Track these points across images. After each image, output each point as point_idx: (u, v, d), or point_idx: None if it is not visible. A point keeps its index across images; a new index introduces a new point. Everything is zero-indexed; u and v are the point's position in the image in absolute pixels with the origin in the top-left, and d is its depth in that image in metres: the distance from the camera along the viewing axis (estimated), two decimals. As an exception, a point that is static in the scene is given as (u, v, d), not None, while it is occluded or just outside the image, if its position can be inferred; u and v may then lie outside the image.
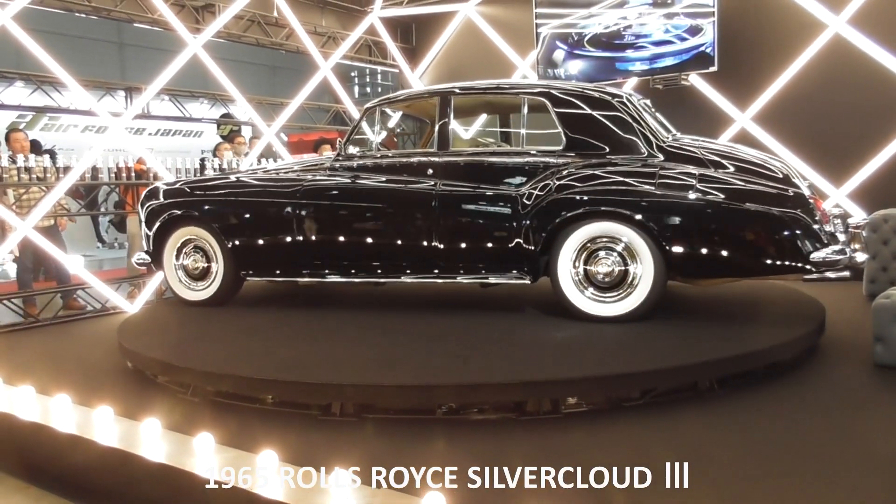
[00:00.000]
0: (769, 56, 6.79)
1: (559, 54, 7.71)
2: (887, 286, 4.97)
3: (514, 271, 4.16)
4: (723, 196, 3.76)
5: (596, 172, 4.00)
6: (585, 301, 3.98)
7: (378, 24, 9.05)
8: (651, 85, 7.23)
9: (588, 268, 3.97)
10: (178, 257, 4.90)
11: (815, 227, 3.72)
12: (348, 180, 4.58)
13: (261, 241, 4.68)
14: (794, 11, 6.55)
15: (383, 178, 4.51)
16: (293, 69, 15.46)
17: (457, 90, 4.52)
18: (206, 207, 4.76)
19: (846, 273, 3.75)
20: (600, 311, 3.95)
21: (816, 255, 3.65)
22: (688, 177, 3.87)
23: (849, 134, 6.38)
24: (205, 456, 2.66)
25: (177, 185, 5.00)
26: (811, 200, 3.82)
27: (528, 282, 4.15)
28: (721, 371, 3.36)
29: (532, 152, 4.27)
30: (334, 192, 4.57)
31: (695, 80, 7.09)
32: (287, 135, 11.66)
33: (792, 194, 3.80)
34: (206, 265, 4.83)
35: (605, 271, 3.93)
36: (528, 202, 4.07)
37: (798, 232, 3.69)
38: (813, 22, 6.49)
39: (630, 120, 4.16)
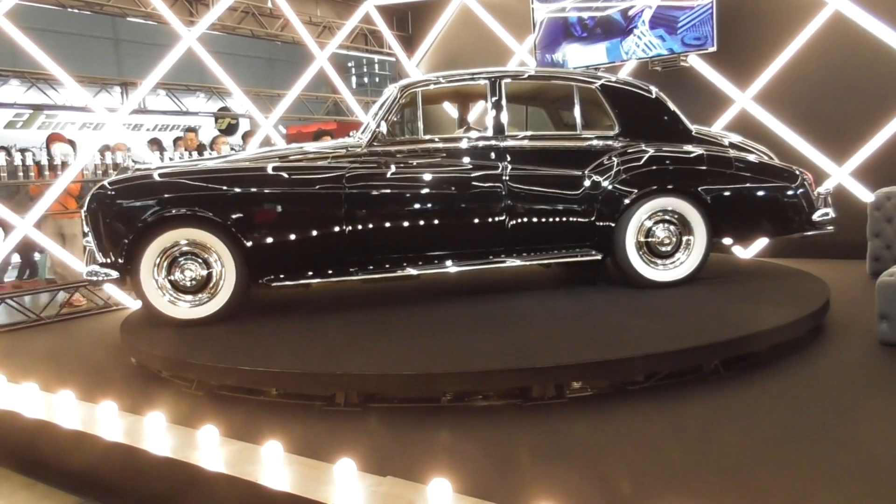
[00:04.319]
0: (769, 35, 6.72)
1: (556, 39, 7.65)
2: (891, 264, 4.95)
3: (588, 248, 4.44)
4: (755, 173, 4.53)
5: (656, 154, 4.48)
6: (650, 270, 4.44)
7: (374, 13, 8.99)
8: (650, 67, 7.18)
9: (650, 239, 4.42)
10: (158, 268, 4.07)
11: (812, 194, 4.57)
12: (404, 166, 4.30)
13: (295, 240, 4.12)
14: (793, -11, 6.49)
15: (439, 163, 4.34)
16: (289, 60, 15.42)
17: (508, 75, 4.55)
18: (218, 202, 4.03)
19: (831, 228, 4.63)
20: (662, 277, 4.45)
21: (816, 216, 4.55)
22: (726, 158, 4.55)
23: (851, 112, 6.33)
24: (210, 449, 2.66)
25: (163, 178, 4.12)
26: (807, 174, 4.64)
27: (599, 257, 4.44)
28: (725, 353, 3.35)
29: (591, 136, 4.58)
30: (392, 178, 4.25)
31: (694, 60, 7.04)
32: (285, 126, 11.61)
33: (795, 169, 4.63)
34: (204, 274, 4.10)
35: (666, 241, 4.43)
36: (601, 180, 4.39)
37: (805, 198, 4.54)
38: (812, -1, 6.44)
39: (669, 109, 4.71)
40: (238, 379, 3.36)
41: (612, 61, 7.32)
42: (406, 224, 4.28)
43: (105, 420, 3.04)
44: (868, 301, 3.86)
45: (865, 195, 6.13)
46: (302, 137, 10.77)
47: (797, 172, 4.60)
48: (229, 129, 9.97)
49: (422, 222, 4.29)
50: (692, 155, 4.53)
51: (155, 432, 2.85)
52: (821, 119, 6.47)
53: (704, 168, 4.48)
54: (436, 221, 4.29)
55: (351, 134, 4.83)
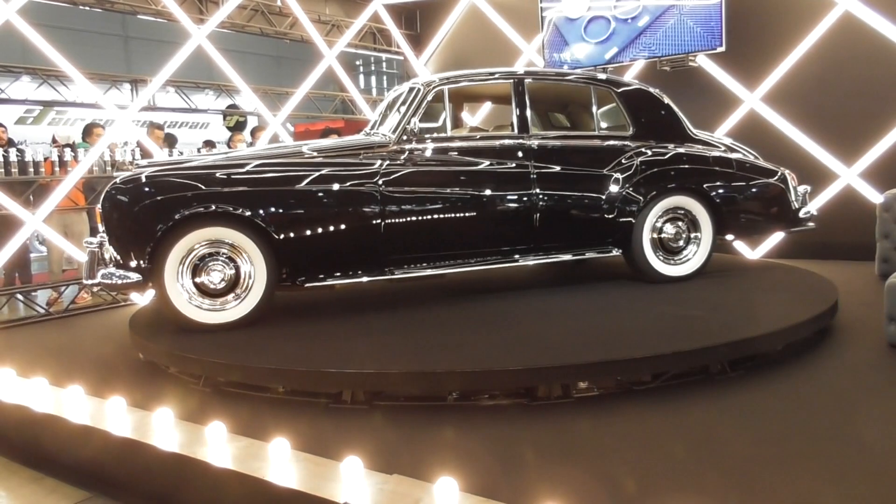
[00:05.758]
0: (778, 35, 6.70)
1: (565, 38, 7.63)
2: (900, 266, 4.93)
3: (609, 245, 4.58)
4: (754, 173, 4.79)
5: (670, 154, 4.68)
6: (663, 265, 4.63)
7: (382, 11, 9.00)
8: (658, 67, 7.16)
9: (664, 235, 4.62)
10: (183, 270, 3.85)
11: (796, 192, 4.88)
12: (437, 164, 4.28)
13: (330, 238, 4.01)
14: (803, -11, 6.45)
15: (472, 162, 4.34)
16: (298, 59, 15.44)
17: (529, 74, 4.63)
18: (251, 199, 3.86)
19: (813, 224, 4.93)
20: (674, 272, 4.65)
21: (801, 213, 4.87)
22: (728, 158, 4.80)
23: (860, 112, 6.30)
24: (217, 445, 2.67)
25: (191, 173, 3.87)
26: (791, 174, 4.92)
27: (618, 253, 4.59)
28: (733, 354, 3.34)
29: (610, 136, 4.74)
30: (427, 176, 4.22)
31: (702, 60, 7.01)
32: (293, 124, 11.64)
33: (783, 170, 4.91)
34: (232, 275, 3.90)
35: (677, 237, 4.63)
36: (622, 179, 4.53)
37: (792, 196, 4.85)
38: (822, -1, 6.40)
39: (674, 111, 4.93)
40: (245, 376, 3.38)
41: (621, 61, 7.30)
42: (442, 222, 4.23)
43: (113, 415, 3.06)
44: (877, 303, 3.84)
45: (874, 196, 6.10)
46: (310, 135, 10.80)
47: (785, 172, 4.88)
48: (238, 127, 10.00)
49: (457, 220, 4.26)
50: (701, 154, 4.75)
51: (162, 428, 2.87)
52: (830, 120, 6.43)
53: (711, 167, 4.71)
54: (471, 219, 4.28)
55: (366, 132, 4.77)
